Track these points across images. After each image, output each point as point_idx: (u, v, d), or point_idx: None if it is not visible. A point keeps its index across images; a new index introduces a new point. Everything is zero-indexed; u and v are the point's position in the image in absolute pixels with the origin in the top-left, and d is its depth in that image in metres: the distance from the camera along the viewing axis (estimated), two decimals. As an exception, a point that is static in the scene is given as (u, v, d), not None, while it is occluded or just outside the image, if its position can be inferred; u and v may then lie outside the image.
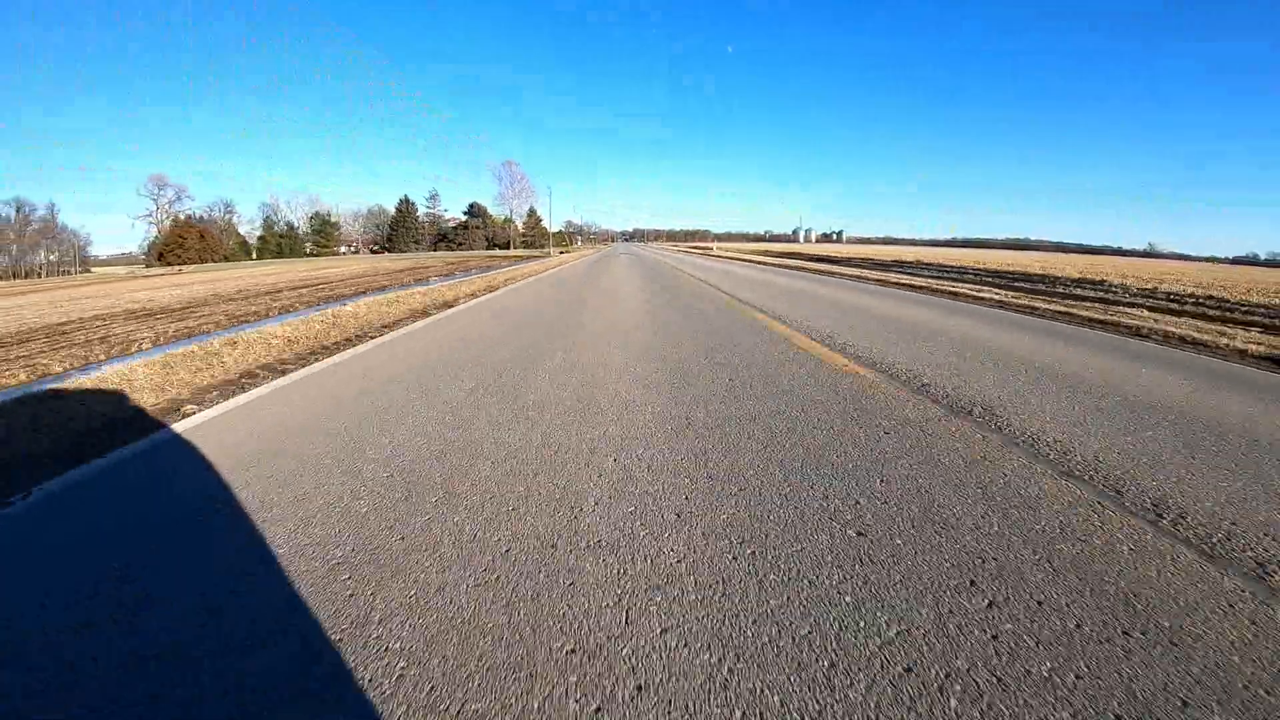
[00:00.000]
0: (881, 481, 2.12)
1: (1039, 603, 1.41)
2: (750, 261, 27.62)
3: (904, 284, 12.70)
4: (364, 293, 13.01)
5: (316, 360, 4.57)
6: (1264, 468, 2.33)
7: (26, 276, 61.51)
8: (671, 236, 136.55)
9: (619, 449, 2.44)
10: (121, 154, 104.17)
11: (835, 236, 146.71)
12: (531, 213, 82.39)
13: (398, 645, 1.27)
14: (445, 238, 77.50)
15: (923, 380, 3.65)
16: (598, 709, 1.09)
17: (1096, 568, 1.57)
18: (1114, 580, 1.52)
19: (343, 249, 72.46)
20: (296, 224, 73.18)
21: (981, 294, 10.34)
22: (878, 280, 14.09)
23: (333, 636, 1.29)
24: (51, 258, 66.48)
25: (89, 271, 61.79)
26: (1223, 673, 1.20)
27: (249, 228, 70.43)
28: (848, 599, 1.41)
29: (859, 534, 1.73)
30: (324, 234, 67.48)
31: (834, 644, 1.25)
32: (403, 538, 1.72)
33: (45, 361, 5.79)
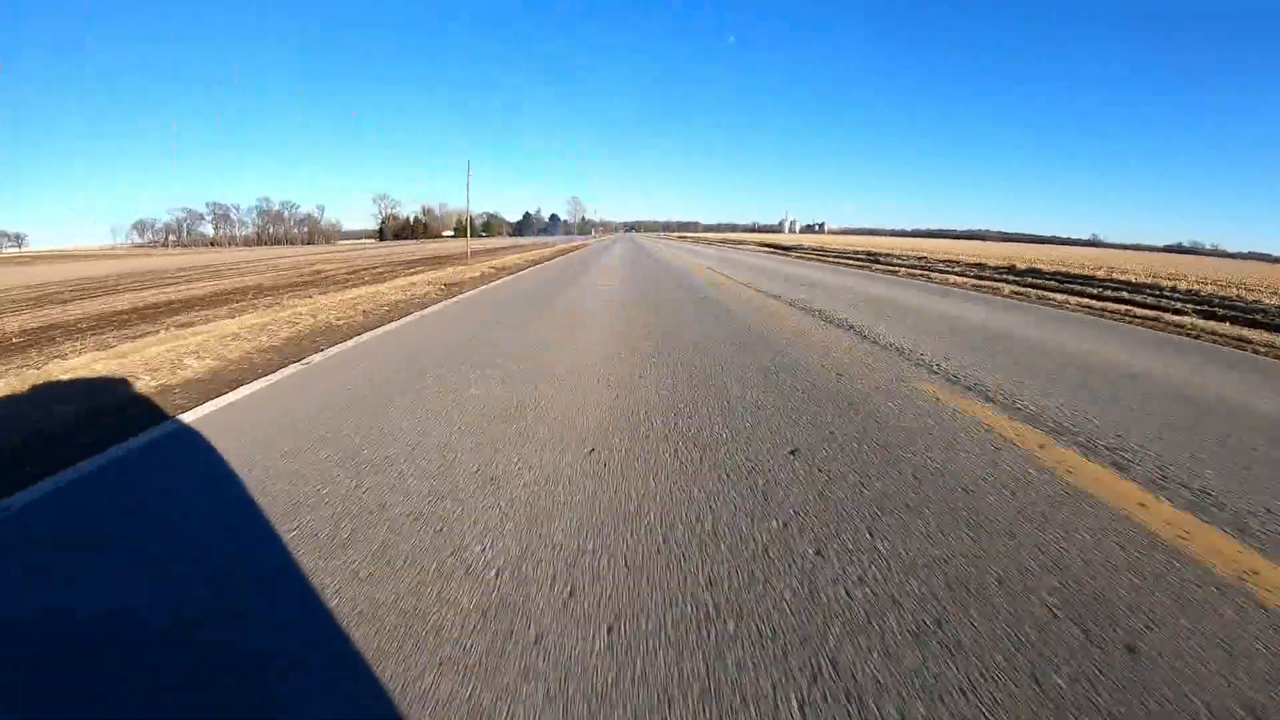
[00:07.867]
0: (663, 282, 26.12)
1: (681, 309, 25.01)
2: (678, 241, 60.02)
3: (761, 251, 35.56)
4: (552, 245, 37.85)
5: (567, 254, 29.23)
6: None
7: (303, 243, 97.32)
8: (666, 227, 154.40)
9: (621, 263, 26.65)
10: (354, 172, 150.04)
11: (818, 227, 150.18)
12: (583, 218, 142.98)
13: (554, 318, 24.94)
14: (542, 229, 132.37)
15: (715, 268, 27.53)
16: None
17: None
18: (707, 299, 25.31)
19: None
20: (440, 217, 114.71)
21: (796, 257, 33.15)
22: (750, 249, 36.95)
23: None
24: (303, 233, 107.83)
25: (332, 243, 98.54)
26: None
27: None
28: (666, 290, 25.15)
29: (671, 287, 25.65)
30: (488, 227, 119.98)
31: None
32: (557, 288, 25.29)
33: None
